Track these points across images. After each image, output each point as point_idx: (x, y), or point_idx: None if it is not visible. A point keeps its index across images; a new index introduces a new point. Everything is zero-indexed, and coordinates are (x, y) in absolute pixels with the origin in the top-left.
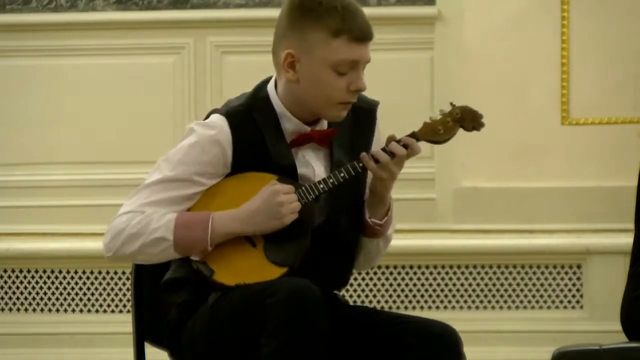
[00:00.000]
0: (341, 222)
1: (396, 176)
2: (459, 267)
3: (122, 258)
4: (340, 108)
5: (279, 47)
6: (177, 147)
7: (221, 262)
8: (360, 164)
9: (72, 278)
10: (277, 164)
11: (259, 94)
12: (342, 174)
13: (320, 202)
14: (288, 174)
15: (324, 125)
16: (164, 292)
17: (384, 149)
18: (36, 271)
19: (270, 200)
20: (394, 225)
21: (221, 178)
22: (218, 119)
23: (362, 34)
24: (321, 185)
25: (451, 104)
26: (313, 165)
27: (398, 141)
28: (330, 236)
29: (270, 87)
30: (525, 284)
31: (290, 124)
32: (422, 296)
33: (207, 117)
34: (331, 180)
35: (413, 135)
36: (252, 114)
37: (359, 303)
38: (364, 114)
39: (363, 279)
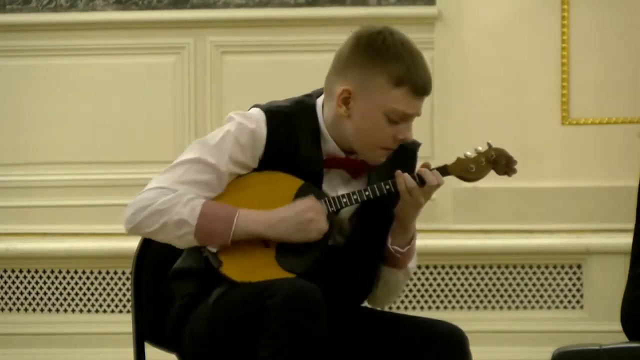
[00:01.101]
0: (362, 247)
1: (421, 206)
2: (459, 267)
3: (142, 233)
4: (381, 153)
5: (336, 79)
6: (214, 133)
7: (231, 255)
8: (387, 187)
9: (72, 278)
10: (305, 170)
11: (307, 101)
12: (367, 193)
13: (343, 224)
14: (313, 182)
15: (359, 156)
16: (172, 280)
17: (412, 175)
18: (36, 271)
19: (302, 214)
20: (415, 260)
21: (249, 171)
22: (257, 113)
23: (423, 89)
24: (344, 200)
25: (488, 144)
26: (338, 190)
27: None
28: (348, 258)
29: (319, 102)
30: (525, 284)
31: (328, 145)
32: (422, 296)
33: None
34: (355, 197)
35: (444, 168)
36: (292, 118)
37: None
38: (405, 153)
39: None
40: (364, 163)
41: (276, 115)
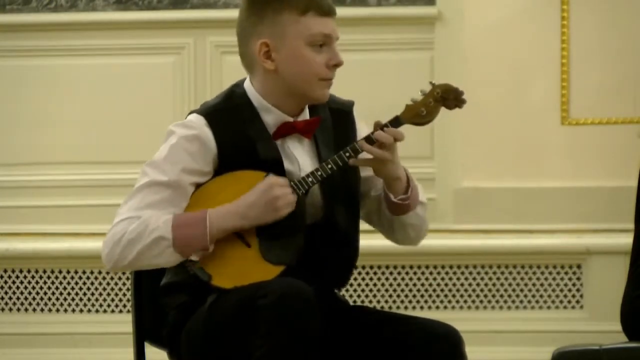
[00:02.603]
0: (340, 218)
1: (391, 159)
2: (459, 267)
3: (123, 266)
4: (323, 85)
5: (248, 43)
6: (160, 150)
7: (217, 265)
8: (347, 154)
9: (72, 278)
10: (263, 157)
11: (236, 90)
12: (329, 166)
13: (316, 199)
14: (275, 168)
15: (305, 116)
16: (163, 296)
17: (369, 138)
18: (36, 271)
19: (266, 193)
20: (422, 191)
21: (209, 176)
22: (195, 118)
23: (328, 8)
24: (310, 179)
25: (431, 83)
26: (299, 160)
27: (382, 128)
28: (330, 233)
29: (247, 83)
30: (525, 284)
31: (272, 116)
32: (422, 296)
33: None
34: (319, 173)
35: (396, 119)
36: (230, 112)
37: (359, 303)
38: (341, 115)
39: (363, 279)
40: (312, 120)
41: (215, 115)
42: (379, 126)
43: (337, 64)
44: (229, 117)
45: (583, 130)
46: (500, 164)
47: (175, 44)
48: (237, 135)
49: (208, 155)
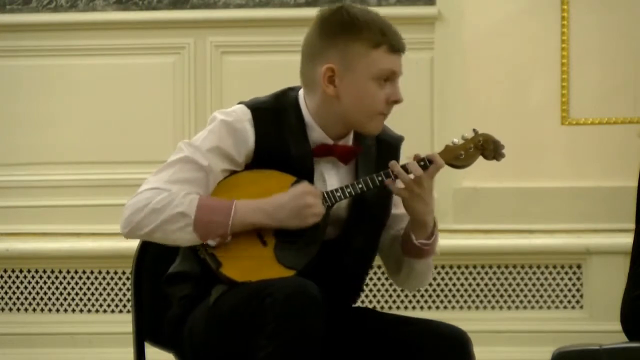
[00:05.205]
0: (354, 242)
1: (419, 196)
2: (459, 267)
3: (139, 234)
4: (379, 119)
5: (314, 64)
6: (200, 133)
7: (230, 255)
8: (379, 178)
9: (72, 278)
10: (296, 165)
11: (290, 95)
12: (359, 185)
13: (340, 219)
14: (304, 174)
15: (348, 141)
16: (167, 285)
17: (403, 167)
18: (36, 271)
19: (298, 199)
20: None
21: (240, 168)
22: (241, 110)
23: (399, 45)
24: (338, 194)
25: (474, 130)
26: (327, 182)
27: (418, 162)
28: (340, 253)
29: (301, 94)
30: (525, 284)
31: (315, 134)
32: (422, 296)
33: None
34: (349, 190)
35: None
36: (277, 114)
37: (359, 303)
38: (388, 148)
39: None
40: (352, 148)
41: (261, 113)
42: (415, 158)
43: (397, 101)
44: (276, 118)
45: (583, 130)
46: (500, 164)
47: (175, 44)
48: (277, 137)
49: (244, 149)
